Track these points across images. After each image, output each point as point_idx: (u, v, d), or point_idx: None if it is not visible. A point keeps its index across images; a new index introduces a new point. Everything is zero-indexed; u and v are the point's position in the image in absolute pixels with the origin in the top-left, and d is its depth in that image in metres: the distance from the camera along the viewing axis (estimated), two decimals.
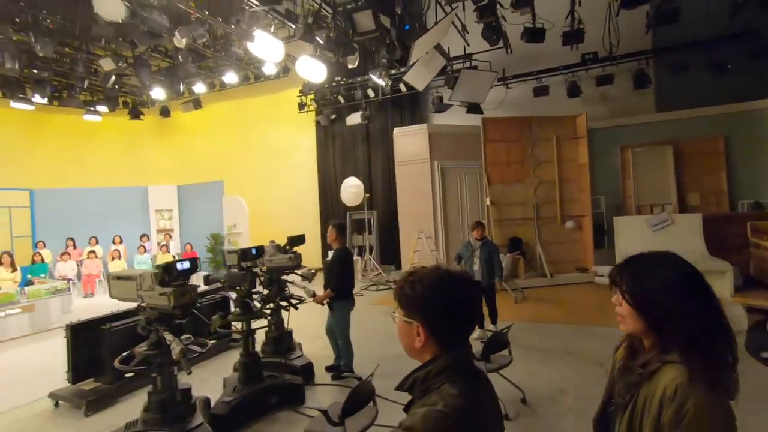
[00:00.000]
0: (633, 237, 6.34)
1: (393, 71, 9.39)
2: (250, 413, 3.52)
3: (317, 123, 11.54)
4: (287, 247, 4.31)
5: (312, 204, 11.86)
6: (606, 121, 9.10)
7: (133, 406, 3.81)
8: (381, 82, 9.11)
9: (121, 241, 10.38)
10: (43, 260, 9.10)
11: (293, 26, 7.37)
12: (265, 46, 7.46)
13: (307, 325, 5.59)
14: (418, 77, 7.49)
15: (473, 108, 8.88)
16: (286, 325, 4.41)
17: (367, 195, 9.71)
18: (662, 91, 8.71)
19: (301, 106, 11.43)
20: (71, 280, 8.90)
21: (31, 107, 10.93)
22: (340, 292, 4.12)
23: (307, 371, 4.17)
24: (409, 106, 10.82)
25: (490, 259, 5.09)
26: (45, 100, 10.48)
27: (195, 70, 9.36)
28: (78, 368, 4.05)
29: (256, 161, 12.38)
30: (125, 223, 10.84)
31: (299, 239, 4.37)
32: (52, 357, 5.33)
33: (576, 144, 8.59)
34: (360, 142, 11.44)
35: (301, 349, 4.57)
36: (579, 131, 8.55)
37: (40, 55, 7.95)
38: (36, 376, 4.74)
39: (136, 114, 12.23)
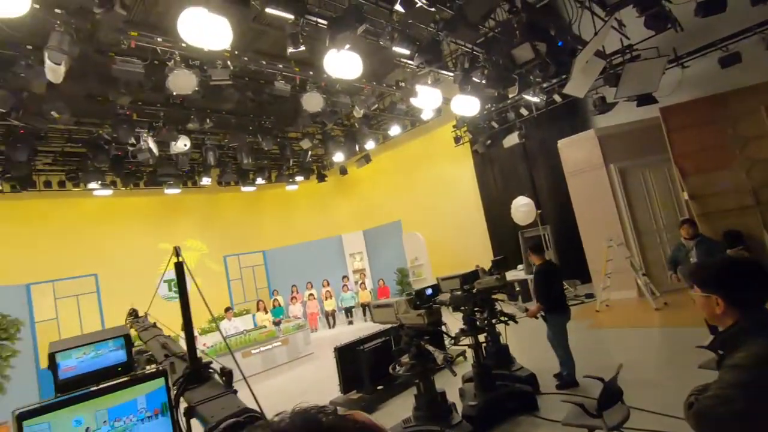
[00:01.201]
0: None
1: (545, 84, 9.46)
2: (494, 417, 4.01)
3: (474, 152, 12.13)
4: (492, 270, 4.83)
5: (480, 228, 12.31)
6: None
7: (392, 410, 4.71)
8: (535, 99, 9.27)
9: (328, 284, 12.48)
10: (280, 304, 11.58)
11: (449, 74, 8.26)
12: (425, 96, 8.51)
13: (525, 338, 5.94)
14: (577, 86, 7.45)
15: (645, 99, 8.25)
16: (503, 340, 4.86)
17: (539, 211, 9.70)
18: None
19: (457, 139, 12.22)
20: (300, 318, 11.11)
21: (253, 188, 14.39)
22: (549, 304, 4.40)
23: (531, 381, 4.50)
24: (566, 115, 10.58)
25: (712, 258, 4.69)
26: (263, 181, 13.67)
27: (368, 131, 11.04)
28: (346, 381, 5.20)
29: (423, 197, 13.56)
30: (328, 268, 13.01)
31: (503, 261, 4.85)
32: (315, 375, 6.83)
33: None
34: (520, 161, 11.55)
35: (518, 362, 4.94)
36: None
37: (265, 148, 10.59)
38: (312, 390, 6.18)
39: (322, 177, 14.80)
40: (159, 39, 6.20)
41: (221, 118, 9.24)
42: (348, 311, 11.62)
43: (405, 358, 3.92)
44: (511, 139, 10.73)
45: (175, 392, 1.43)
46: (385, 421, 4.53)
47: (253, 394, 1.44)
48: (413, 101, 8.83)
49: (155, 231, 13.40)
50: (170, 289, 12.88)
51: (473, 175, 12.70)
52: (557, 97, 9.79)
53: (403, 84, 9.67)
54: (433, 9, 5.09)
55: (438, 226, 12.76)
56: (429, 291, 3.77)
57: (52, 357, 1.30)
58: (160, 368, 1.41)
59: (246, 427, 1.15)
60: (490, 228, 12.19)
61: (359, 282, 12.16)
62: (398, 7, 4.87)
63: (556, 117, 10.67)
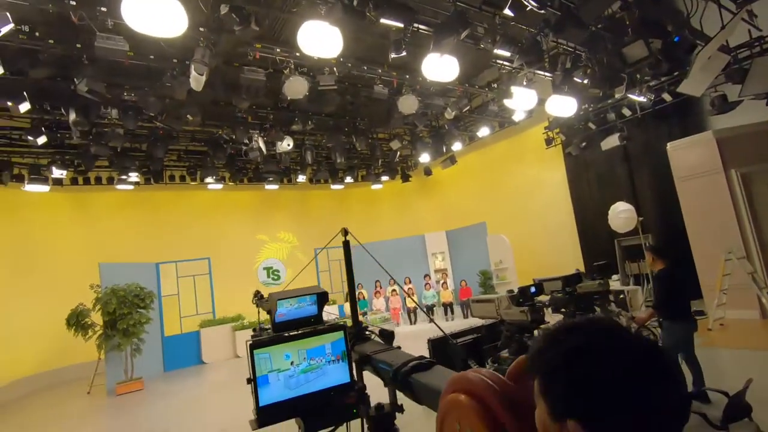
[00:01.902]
0: None
1: (653, 83, 8.83)
2: None
3: (567, 154, 11.64)
4: (594, 275, 4.72)
5: (570, 234, 11.77)
6: None
7: None
8: (641, 99, 8.70)
9: (410, 281, 12.79)
10: (364, 297, 12.13)
11: (545, 74, 8.08)
12: (520, 97, 8.41)
13: None
14: (694, 85, 6.87)
15: None
16: None
17: (640, 218, 9.06)
18: None
19: (548, 141, 11.82)
20: (383, 311, 11.55)
21: (342, 186, 15.21)
22: (670, 313, 4.14)
23: None
24: (676, 116, 9.74)
25: None
26: (351, 180, 14.39)
27: (456, 133, 11.15)
28: None
29: (510, 200, 13.30)
30: (410, 266, 13.32)
31: (606, 266, 4.72)
32: None
33: None
34: (619, 165, 10.87)
35: None
36: None
37: (357, 149, 11.20)
38: None
39: (406, 178, 15.17)
40: (278, 50, 6.94)
41: (320, 120, 9.96)
42: (429, 309, 11.82)
43: (504, 353, 4.04)
44: (611, 141, 10.14)
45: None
46: None
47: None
48: (507, 102, 8.78)
49: (254, 223, 14.78)
50: (268, 276, 14.15)
51: (564, 179, 12.19)
52: (667, 96, 9.08)
53: (495, 85, 9.65)
54: (543, 11, 5.09)
55: (525, 230, 12.44)
56: (533, 289, 3.83)
57: (273, 303, 1.68)
58: (340, 324, 1.73)
59: (431, 367, 1.41)
60: (581, 234, 11.62)
61: (441, 281, 12.30)
62: (507, 11, 4.95)
63: (664, 117, 9.86)
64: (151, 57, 6.85)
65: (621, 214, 8.90)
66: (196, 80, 6.25)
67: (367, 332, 1.99)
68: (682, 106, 9.46)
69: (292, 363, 1.61)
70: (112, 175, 11.33)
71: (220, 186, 12.90)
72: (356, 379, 1.72)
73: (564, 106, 8.32)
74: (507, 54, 6.23)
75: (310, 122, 9.62)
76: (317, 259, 13.27)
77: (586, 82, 7.00)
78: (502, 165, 13.61)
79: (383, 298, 12.11)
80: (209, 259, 11.45)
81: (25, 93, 6.85)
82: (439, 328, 2.07)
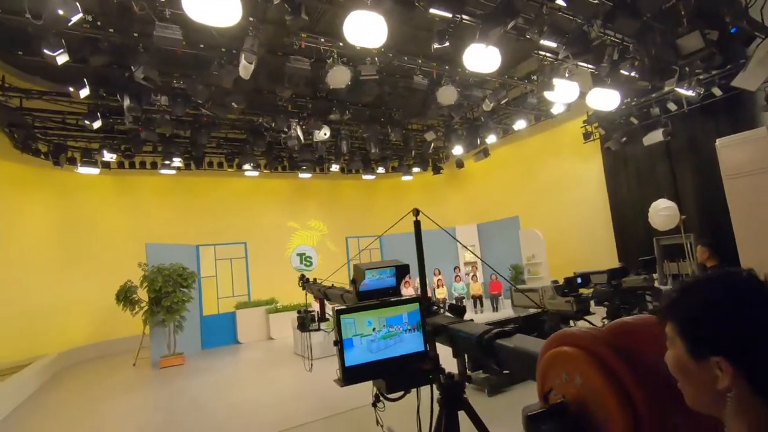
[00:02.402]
0: None
1: (702, 77, 8.52)
2: None
3: (606, 149, 11.37)
4: (640, 270, 4.67)
5: (605, 231, 11.54)
6: None
7: (514, 395, 4.88)
8: (689, 93, 8.41)
9: (439, 273, 12.84)
10: None
11: (589, 66, 7.91)
12: (562, 90, 8.27)
13: None
14: (750, 79, 6.63)
15: None
16: None
17: (683, 217, 8.80)
18: None
19: (587, 135, 11.57)
20: None
21: (373, 177, 15.35)
22: None
23: None
24: (726, 111, 9.34)
25: None
26: (383, 170, 14.50)
27: (492, 125, 11.06)
28: (475, 361, 5.48)
29: (544, 194, 13.11)
30: (440, 258, 13.37)
31: (651, 262, 4.67)
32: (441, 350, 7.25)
33: None
34: (660, 161, 10.54)
35: None
36: None
37: (392, 139, 11.28)
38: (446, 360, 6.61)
39: (437, 170, 15.15)
40: (322, 39, 7.07)
41: (357, 110, 10.08)
42: (458, 301, 11.86)
43: None
44: (654, 137, 9.85)
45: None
46: (506, 403, 4.74)
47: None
48: (547, 95, 8.66)
49: (286, 210, 15.13)
50: (301, 262, 14.49)
51: (601, 174, 11.92)
52: (716, 91, 8.73)
53: (534, 77, 9.52)
54: (596, 1, 5.01)
55: (558, 225, 12.27)
56: (579, 280, 3.85)
57: (360, 273, 1.81)
58: (417, 297, 1.85)
59: (513, 334, 1.51)
60: (617, 230, 11.37)
61: (470, 274, 12.31)
62: (560, 1, 4.90)
63: (712, 113, 9.49)
64: (201, 46, 7.11)
65: (662, 212, 8.67)
66: (245, 68, 6.47)
67: (434, 308, 2.10)
68: (733, 101, 9.07)
69: (373, 329, 1.73)
70: (155, 160, 11.84)
71: (256, 173, 13.27)
72: (429, 348, 1.84)
73: (607, 99, 8.14)
74: (553, 45, 6.14)
75: (347, 112, 9.76)
76: (348, 247, 13.50)
77: (633, 74, 6.82)
78: (536, 159, 13.40)
79: (411, 288, 12.22)
80: (246, 243, 11.83)
81: (85, 80, 7.26)
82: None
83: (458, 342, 1.71)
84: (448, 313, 2.02)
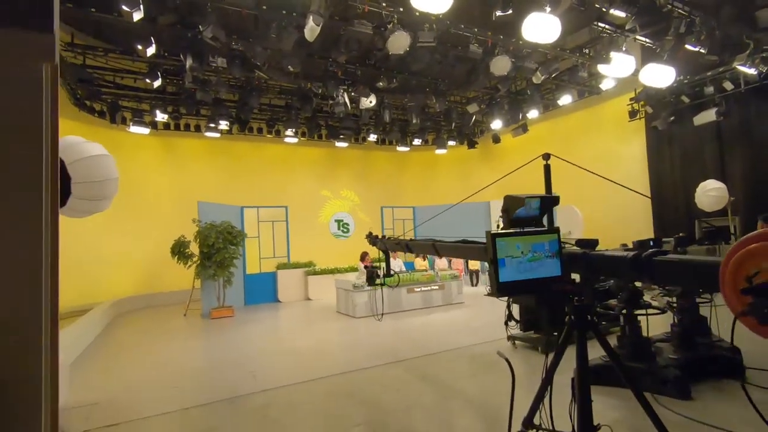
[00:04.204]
0: None
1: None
2: (696, 375, 4.16)
3: (651, 128, 11.21)
4: (677, 248, 4.78)
5: (644, 210, 11.51)
6: None
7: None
8: (751, 71, 8.22)
9: None
10: (425, 257, 12.56)
11: (650, 42, 7.79)
12: (618, 64, 8.18)
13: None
14: None
15: None
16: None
17: (732, 198, 8.75)
18: None
19: (633, 113, 11.41)
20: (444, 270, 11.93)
21: (407, 149, 15.47)
22: None
23: (733, 353, 4.48)
24: None
25: None
26: (419, 142, 14.58)
27: (538, 98, 10.99)
28: (526, 322, 5.75)
29: (581, 172, 13.00)
30: (472, 231, 13.54)
31: (685, 240, 4.78)
32: (473, 319, 7.57)
33: None
34: (709, 142, 10.38)
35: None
36: None
37: (437, 110, 11.33)
38: (481, 328, 6.93)
39: (472, 144, 15.14)
40: (383, 4, 7.12)
41: (404, 78, 10.12)
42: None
43: (612, 301, 4.29)
44: (706, 116, 9.70)
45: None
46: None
47: None
48: (601, 68, 8.57)
49: (320, 178, 15.42)
50: (339, 228, 14.91)
51: (643, 154, 11.80)
52: None
53: (587, 50, 9.39)
54: None
55: (596, 203, 12.25)
56: (651, 243, 4.00)
57: (515, 203, 2.04)
58: (555, 227, 2.07)
59: (666, 253, 1.72)
60: (656, 210, 11.34)
61: None
62: None
63: None
64: (264, 7, 7.23)
65: (710, 192, 8.63)
66: (312, 30, 6.60)
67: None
68: None
69: (521, 252, 1.97)
70: (199, 123, 12.17)
71: (295, 140, 13.51)
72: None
73: (661, 75, 8.05)
74: (622, 15, 6.09)
75: (394, 80, 9.83)
76: (383, 217, 13.78)
77: (699, 49, 6.71)
78: (576, 136, 13.28)
79: (446, 258, 12.48)
80: (287, 207, 12.20)
81: (152, 38, 7.51)
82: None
83: (602, 265, 1.93)
84: (575, 247, 2.23)
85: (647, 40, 7.61)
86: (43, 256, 3.11)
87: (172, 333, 8.30)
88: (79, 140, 3.31)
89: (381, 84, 9.82)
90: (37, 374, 2.89)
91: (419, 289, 9.23)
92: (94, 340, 7.83)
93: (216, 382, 5.04)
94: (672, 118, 10.63)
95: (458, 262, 12.37)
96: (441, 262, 12.39)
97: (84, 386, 4.99)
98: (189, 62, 7.85)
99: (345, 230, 14.98)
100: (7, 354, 2.82)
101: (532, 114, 12.28)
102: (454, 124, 13.24)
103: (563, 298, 1.99)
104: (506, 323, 2.17)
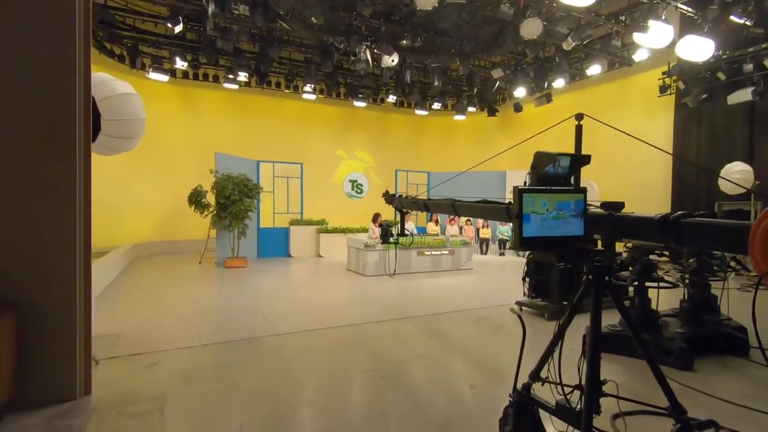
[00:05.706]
0: None
1: None
2: (701, 349, 4.22)
3: (681, 105, 10.82)
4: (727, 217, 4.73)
5: (663, 190, 11.33)
6: None
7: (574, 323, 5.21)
8: None
9: None
10: (437, 222, 12.63)
11: (693, 11, 7.38)
12: (655, 33, 7.81)
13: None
14: None
15: None
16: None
17: (757, 182, 8.54)
18: None
19: (663, 88, 10.98)
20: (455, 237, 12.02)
21: (426, 112, 15.20)
22: None
23: (740, 331, 4.53)
24: None
25: None
26: (439, 106, 14.29)
27: (566, 67, 10.60)
28: (535, 288, 5.82)
29: (603, 147, 12.72)
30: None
31: (739, 211, 4.69)
32: (481, 284, 7.68)
33: None
34: (741, 122, 10.02)
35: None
36: None
37: (460, 73, 11.01)
38: (493, 293, 7.06)
39: (493, 112, 14.79)
40: None
41: (428, 38, 9.79)
42: (502, 243, 12.17)
43: (625, 273, 4.32)
44: (741, 95, 9.29)
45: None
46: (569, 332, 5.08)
47: None
48: (636, 38, 8.19)
49: (336, 138, 15.32)
50: (353, 188, 14.97)
51: (670, 131, 11.46)
52: None
53: (623, 18, 8.95)
54: None
55: (615, 179, 12.07)
56: (676, 213, 3.98)
57: (545, 159, 2.05)
58: (582, 187, 2.08)
59: (694, 215, 1.73)
60: (675, 190, 11.15)
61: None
62: None
63: None
64: None
65: (735, 174, 8.42)
66: None
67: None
68: None
69: (547, 210, 1.99)
70: (217, 73, 12.04)
71: (313, 96, 13.34)
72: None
73: (699, 48, 7.67)
74: None
75: (419, 39, 9.52)
76: (397, 180, 13.75)
77: (745, 21, 6.35)
78: (601, 109, 12.86)
79: (457, 226, 12.53)
80: (302, 164, 12.23)
81: None
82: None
83: (628, 226, 1.94)
84: (599, 209, 2.25)
85: (689, 9, 7.21)
86: (77, 189, 3.20)
87: (189, 278, 8.60)
88: (109, 77, 3.33)
89: (405, 42, 9.53)
90: (72, 302, 3.06)
91: (429, 253, 9.35)
92: (114, 279, 8.16)
93: (231, 324, 5.28)
94: (704, 96, 10.22)
95: (469, 230, 12.42)
96: (452, 229, 12.47)
97: (108, 319, 5.26)
98: (211, 8, 7.67)
99: (359, 191, 15.03)
100: (45, 283, 2.98)
101: (558, 83, 11.89)
102: (476, 90, 12.89)
103: (583, 258, 2.02)
104: (524, 279, 2.25)
